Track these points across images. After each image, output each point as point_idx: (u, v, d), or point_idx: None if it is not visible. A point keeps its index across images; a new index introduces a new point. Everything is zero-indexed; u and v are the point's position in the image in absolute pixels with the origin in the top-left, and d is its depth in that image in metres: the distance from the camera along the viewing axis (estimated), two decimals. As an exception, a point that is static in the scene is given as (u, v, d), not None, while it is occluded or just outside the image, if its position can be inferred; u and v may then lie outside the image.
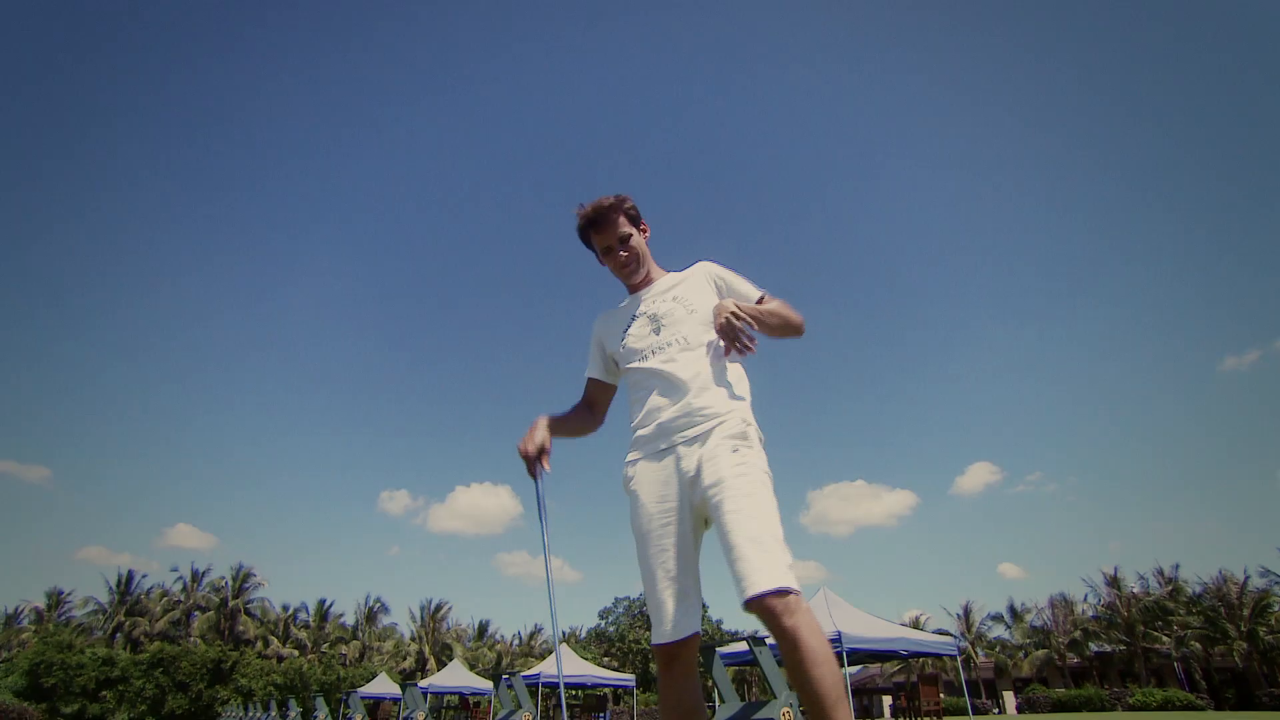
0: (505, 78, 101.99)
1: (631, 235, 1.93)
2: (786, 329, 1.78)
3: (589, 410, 2.03)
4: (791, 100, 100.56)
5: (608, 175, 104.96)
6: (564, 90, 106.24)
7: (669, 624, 1.57)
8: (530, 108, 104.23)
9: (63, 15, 75.43)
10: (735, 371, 1.80)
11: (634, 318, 1.91)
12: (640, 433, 1.78)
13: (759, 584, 1.36)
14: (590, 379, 2.05)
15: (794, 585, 1.36)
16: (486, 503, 75.77)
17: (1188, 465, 66.14)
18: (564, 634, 55.55)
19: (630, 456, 1.79)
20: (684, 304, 1.83)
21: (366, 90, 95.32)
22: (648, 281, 1.97)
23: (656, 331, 1.83)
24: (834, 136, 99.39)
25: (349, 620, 51.23)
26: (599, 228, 1.92)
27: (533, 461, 1.83)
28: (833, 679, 1.31)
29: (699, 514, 1.65)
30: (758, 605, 1.35)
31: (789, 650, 1.33)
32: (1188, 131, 76.23)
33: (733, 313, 1.68)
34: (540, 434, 1.85)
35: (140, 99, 79.26)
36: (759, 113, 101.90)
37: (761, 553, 1.40)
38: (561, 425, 1.94)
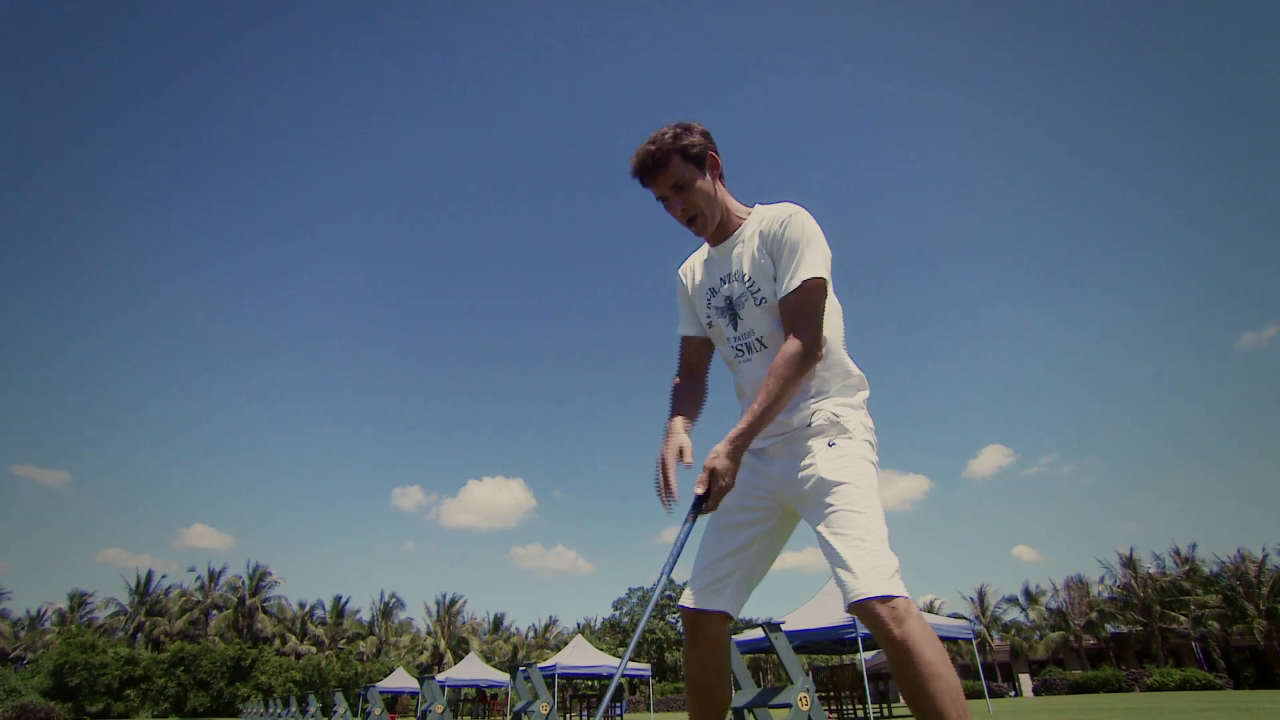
0: (512, 78, 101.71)
1: (693, 181, 1.59)
2: (788, 393, 1.47)
3: (691, 380, 1.76)
4: (802, 90, 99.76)
5: (615, 172, 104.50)
6: (570, 88, 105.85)
7: (695, 592, 1.54)
8: (537, 105, 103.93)
9: (70, 13, 75.73)
10: (830, 357, 1.59)
11: (714, 291, 1.69)
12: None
13: (862, 588, 1.25)
14: (685, 338, 1.80)
15: (901, 591, 1.25)
16: (499, 497, 76.25)
17: (1205, 444, 65.66)
18: (579, 624, 55.90)
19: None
20: (752, 291, 1.60)
21: (378, 90, 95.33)
22: (724, 231, 1.68)
23: (734, 325, 1.65)
24: (844, 122, 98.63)
25: (365, 616, 51.78)
26: (649, 176, 1.60)
27: (668, 480, 1.51)
28: (952, 695, 1.16)
29: (788, 514, 1.58)
30: (862, 610, 1.25)
31: (900, 662, 1.20)
32: (1202, 105, 75.18)
33: (698, 487, 1.43)
34: (676, 439, 1.56)
35: (149, 100, 79.63)
36: (774, 97, 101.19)
37: (865, 555, 1.29)
38: (685, 422, 1.65)
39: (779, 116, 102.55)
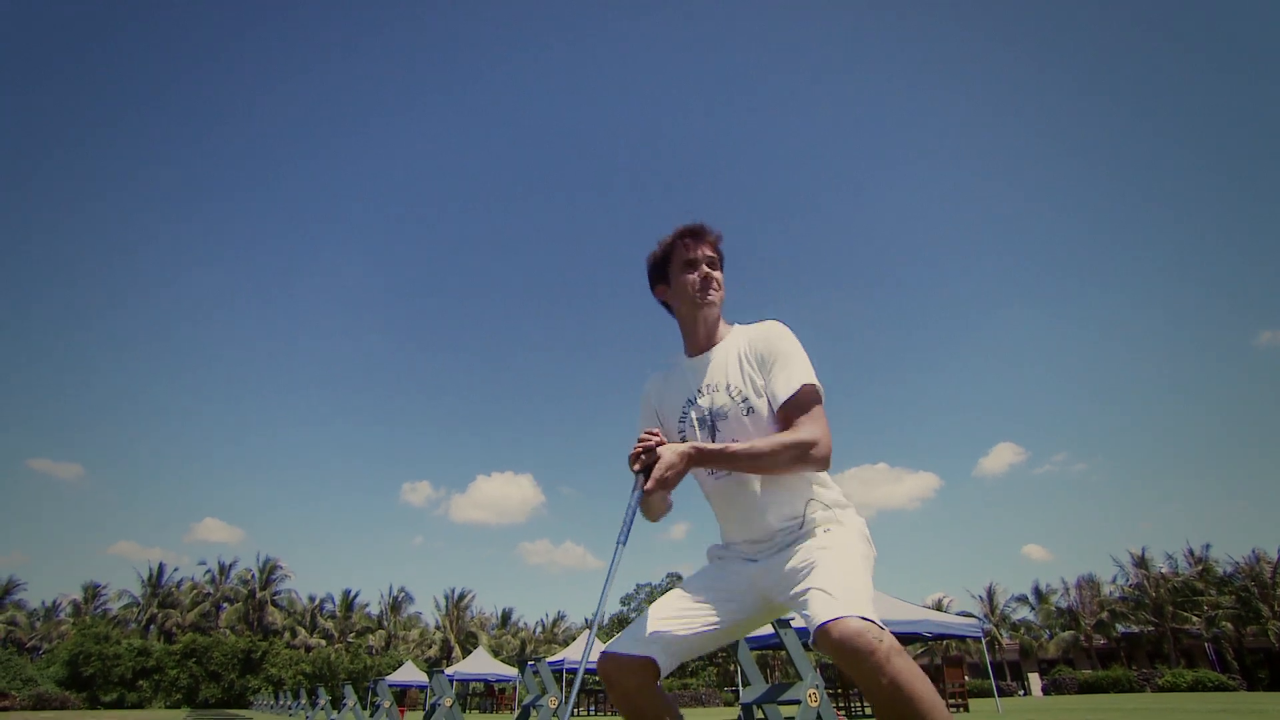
0: (518, 77, 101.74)
1: (718, 263, 1.71)
2: (777, 470, 1.45)
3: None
4: (802, 90, 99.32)
5: (622, 169, 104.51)
6: (577, 88, 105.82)
7: (627, 636, 1.45)
8: (544, 104, 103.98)
9: (70, 13, 76.38)
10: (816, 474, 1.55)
11: (689, 403, 1.65)
12: (723, 540, 1.66)
13: (832, 609, 1.16)
14: None
15: (875, 618, 1.14)
16: (508, 492, 76.47)
17: (1220, 443, 64.86)
18: (586, 620, 56.07)
19: (716, 549, 1.67)
20: (737, 399, 1.56)
21: (384, 88, 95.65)
22: (707, 339, 1.69)
23: (712, 437, 1.59)
24: (852, 121, 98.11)
25: (374, 610, 52.15)
26: (699, 236, 1.69)
27: (646, 465, 1.50)
28: (934, 699, 1.08)
29: (759, 608, 1.53)
30: (834, 633, 1.12)
31: (880, 694, 1.09)
32: (1221, 105, 74.23)
33: (642, 455, 1.48)
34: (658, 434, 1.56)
35: (155, 97, 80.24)
36: (775, 97, 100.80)
37: (839, 588, 1.23)
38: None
39: (780, 116, 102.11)
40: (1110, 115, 78.96)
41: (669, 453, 1.46)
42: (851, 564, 1.33)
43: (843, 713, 14.38)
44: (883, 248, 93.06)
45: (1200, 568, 37.55)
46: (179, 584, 47.21)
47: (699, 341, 1.70)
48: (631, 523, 1.44)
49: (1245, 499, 60.90)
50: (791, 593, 1.36)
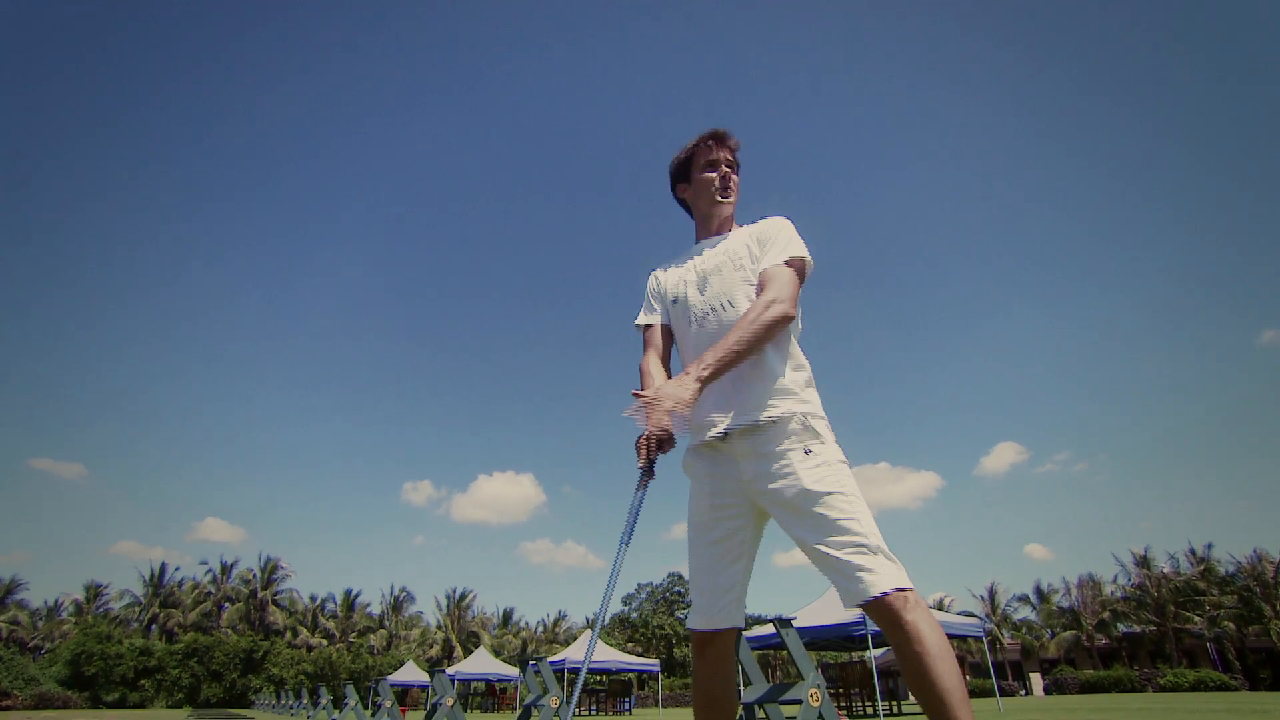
0: (518, 77, 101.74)
1: (737, 166, 1.85)
2: (760, 342, 1.51)
3: (658, 359, 1.79)
4: (803, 89, 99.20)
5: (622, 169, 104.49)
6: (577, 88, 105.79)
7: (704, 613, 1.57)
8: (544, 104, 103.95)
9: (71, 13, 76.45)
10: (788, 347, 1.61)
11: (689, 269, 1.80)
12: (700, 421, 1.62)
13: (879, 584, 1.29)
14: (650, 325, 1.85)
15: (909, 582, 1.31)
16: (509, 492, 76.46)
17: (1222, 442, 64.75)
18: (588, 619, 56.06)
19: (690, 453, 1.67)
20: (732, 257, 1.70)
21: (384, 88, 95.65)
22: (718, 229, 1.84)
23: (701, 290, 1.72)
24: (852, 121, 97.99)
25: (375, 610, 52.14)
26: (722, 139, 1.82)
27: (654, 452, 1.48)
28: (957, 676, 1.23)
29: (760, 513, 1.57)
30: (878, 605, 1.29)
31: (910, 646, 1.25)
32: (1224, 103, 74.08)
33: (647, 410, 1.47)
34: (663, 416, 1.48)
35: (155, 97, 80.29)
36: (775, 97, 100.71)
37: (872, 555, 1.34)
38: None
39: (780, 116, 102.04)
40: (1110, 115, 78.91)
41: (675, 398, 1.45)
42: (864, 510, 1.41)
43: (844, 712, 14.36)
44: (883, 248, 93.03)
45: (1202, 567, 37.47)
46: (180, 583, 47.24)
47: (709, 232, 1.86)
48: (635, 522, 1.45)
49: (1247, 498, 60.83)
50: (813, 542, 1.40)
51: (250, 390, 79.36)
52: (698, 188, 1.84)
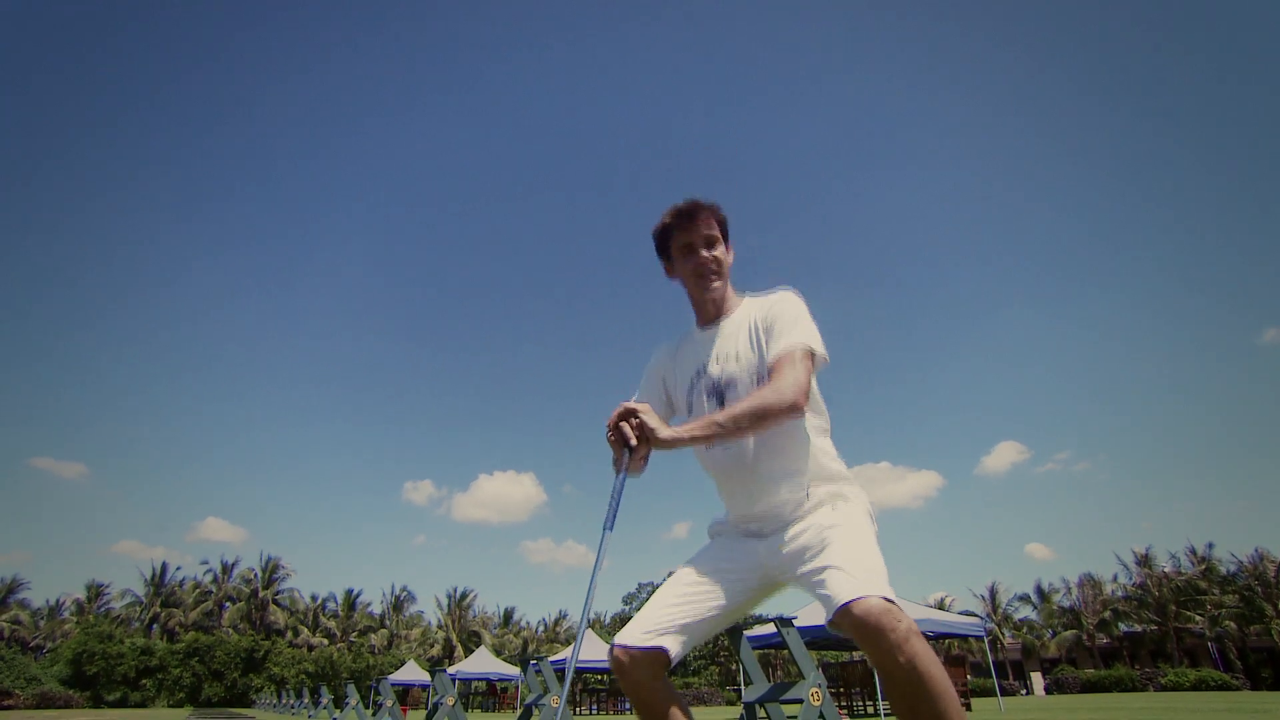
0: (518, 77, 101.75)
1: (718, 241, 1.66)
2: (749, 428, 1.42)
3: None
4: (810, 91, 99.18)
5: (622, 169, 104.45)
6: (577, 88, 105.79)
7: (639, 625, 1.44)
8: (545, 104, 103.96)
9: (71, 13, 76.49)
10: (815, 425, 1.56)
11: (699, 374, 1.64)
12: (725, 515, 1.64)
13: (852, 590, 1.16)
14: None
15: (894, 597, 1.16)
16: (510, 491, 76.50)
17: (1223, 441, 64.79)
18: (589, 619, 56.07)
19: (718, 524, 1.66)
20: (747, 369, 1.56)
21: (384, 88, 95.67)
22: (717, 311, 1.68)
23: (720, 405, 1.57)
24: (852, 121, 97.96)
25: (376, 609, 52.18)
26: (688, 221, 1.64)
27: (626, 442, 1.44)
28: (953, 708, 1.09)
29: (763, 585, 1.52)
30: (861, 608, 1.13)
31: (896, 670, 1.10)
32: (1225, 102, 73.99)
33: (620, 426, 1.44)
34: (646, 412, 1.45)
35: (155, 97, 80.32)
36: (783, 104, 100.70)
37: (856, 567, 1.23)
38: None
39: (780, 116, 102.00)
40: (1110, 115, 78.84)
41: (651, 417, 1.42)
42: (865, 540, 1.34)
43: (845, 712, 14.37)
44: (883, 248, 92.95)
45: (1203, 567, 37.46)
46: (182, 583, 47.31)
47: (708, 314, 1.70)
48: (618, 508, 1.42)
49: (1248, 498, 60.81)
50: (802, 571, 1.36)
51: (250, 390, 79.49)
52: (680, 273, 1.71)
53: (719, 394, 1.59)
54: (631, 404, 1.46)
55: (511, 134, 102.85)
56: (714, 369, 1.61)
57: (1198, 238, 71.78)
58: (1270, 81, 70.05)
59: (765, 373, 1.52)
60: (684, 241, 1.66)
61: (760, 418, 1.39)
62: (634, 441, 1.43)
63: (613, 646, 1.44)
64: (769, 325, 1.56)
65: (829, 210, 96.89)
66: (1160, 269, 72.47)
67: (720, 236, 1.67)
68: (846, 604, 1.14)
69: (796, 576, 1.39)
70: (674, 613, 1.45)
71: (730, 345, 1.61)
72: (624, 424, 1.44)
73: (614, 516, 1.40)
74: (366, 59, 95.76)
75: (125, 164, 77.27)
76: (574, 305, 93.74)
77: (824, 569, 1.28)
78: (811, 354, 1.50)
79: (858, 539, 1.33)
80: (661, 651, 1.40)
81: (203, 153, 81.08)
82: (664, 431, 1.41)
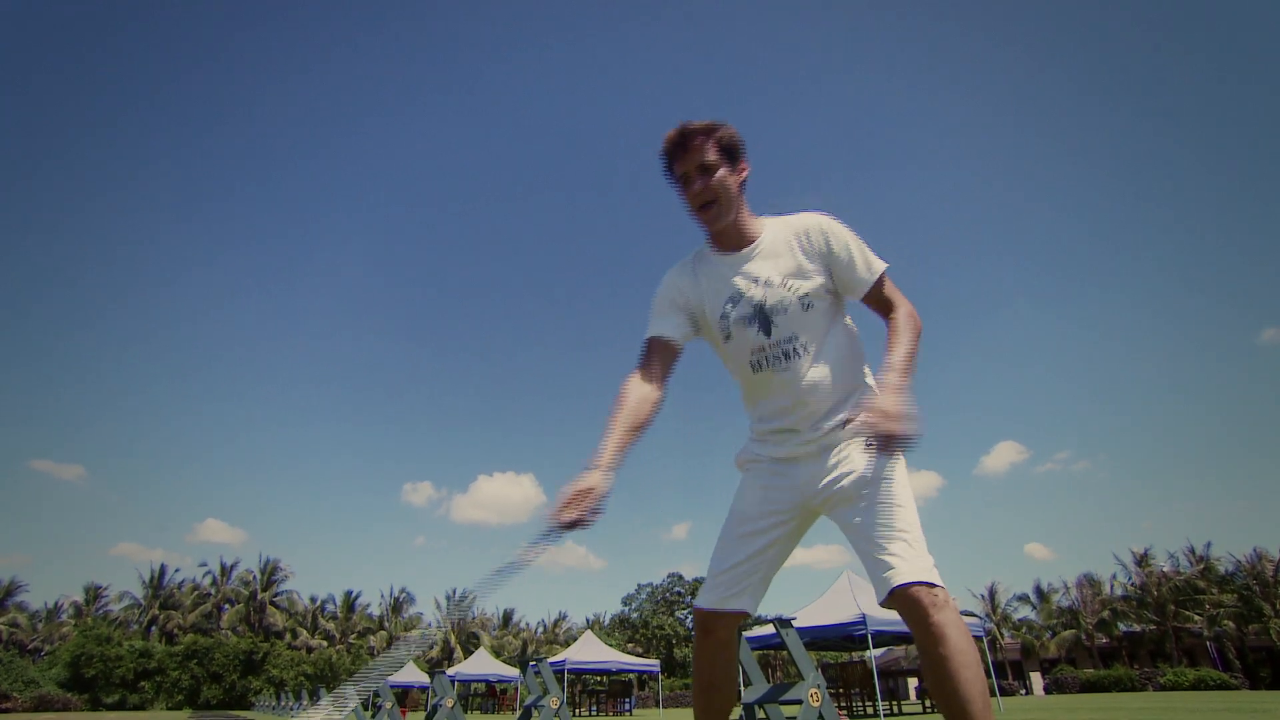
0: (518, 77, 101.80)
1: (718, 167, 1.55)
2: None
3: (649, 386, 1.55)
4: (810, 91, 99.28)
5: (622, 169, 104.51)
6: (577, 88, 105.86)
7: (717, 591, 1.53)
8: (545, 104, 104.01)
9: (71, 13, 76.43)
10: (856, 351, 1.63)
11: (734, 300, 1.58)
12: (761, 434, 1.63)
13: (905, 574, 1.29)
14: (656, 339, 1.62)
15: (939, 581, 1.29)
16: (509, 492, 76.48)
17: (1222, 441, 64.83)
18: (589, 620, 56.05)
19: (751, 450, 1.65)
20: (797, 295, 1.53)
21: (384, 88, 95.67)
22: (737, 237, 1.61)
23: (767, 332, 1.55)
24: (852, 121, 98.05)
25: (375, 611, 52.11)
26: (680, 151, 1.55)
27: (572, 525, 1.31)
28: (981, 685, 1.21)
29: (809, 513, 1.57)
30: (903, 596, 1.27)
31: (933, 647, 1.23)
32: (1224, 101, 74.12)
33: (890, 427, 1.31)
34: (583, 484, 1.33)
35: (155, 97, 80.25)
36: (783, 104, 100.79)
37: (908, 546, 1.34)
38: (625, 439, 1.46)
39: (780, 116, 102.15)
40: (1111, 115, 78.96)
41: (600, 491, 1.34)
42: (910, 509, 1.42)
43: (844, 712, 14.36)
44: (882, 248, 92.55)
45: (1202, 566, 37.48)
46: (180, 585, 47.21)
47: (728, 242, 1.62)
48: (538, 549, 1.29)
49: (1247, 497, 60.89)
50: (851, 524, 1.43)
51: (250, 391, 79.40)
52: (684, 203, 1.63)
53: (764, 320, 1.55)
54: (581, 488, 1.31)
55: (511, 134, 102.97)
56: (755, 293, 1.56)
57: (1198, 238, 71.94)
58: (1270, 81, 70.28)
59: (814, 300, 1.54)
60: (679, 172, 1.59)
61: (919, 337, 1.58)
62: (588, 521, 1.31)
63: (698, 609, 1.54)
64: (829, 250, 1.56)
65: (829, 210, 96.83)
66: (1160, 269, 72.63)
67: (720, 160, 1.55)
68: (899, 587, 1.28)
69: (844, 523, 1.46)
70: (744, 572, 1.53)
71: (768, 269, 1.57)
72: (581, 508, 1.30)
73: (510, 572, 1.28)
74: (366, 59, 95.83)
75: (125, 164, 77.27)
76: (574, 305, 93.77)
77: (878, 544, 1.36)
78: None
79: (903, 503, 1.41)
80: (743, 613, 1.52)
81: (203, 153, 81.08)
82: (892, 394, 1.36)
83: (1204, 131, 74.67)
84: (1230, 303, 67.01)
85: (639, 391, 1.53)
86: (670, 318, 1.64)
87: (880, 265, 1.58)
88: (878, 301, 1.60)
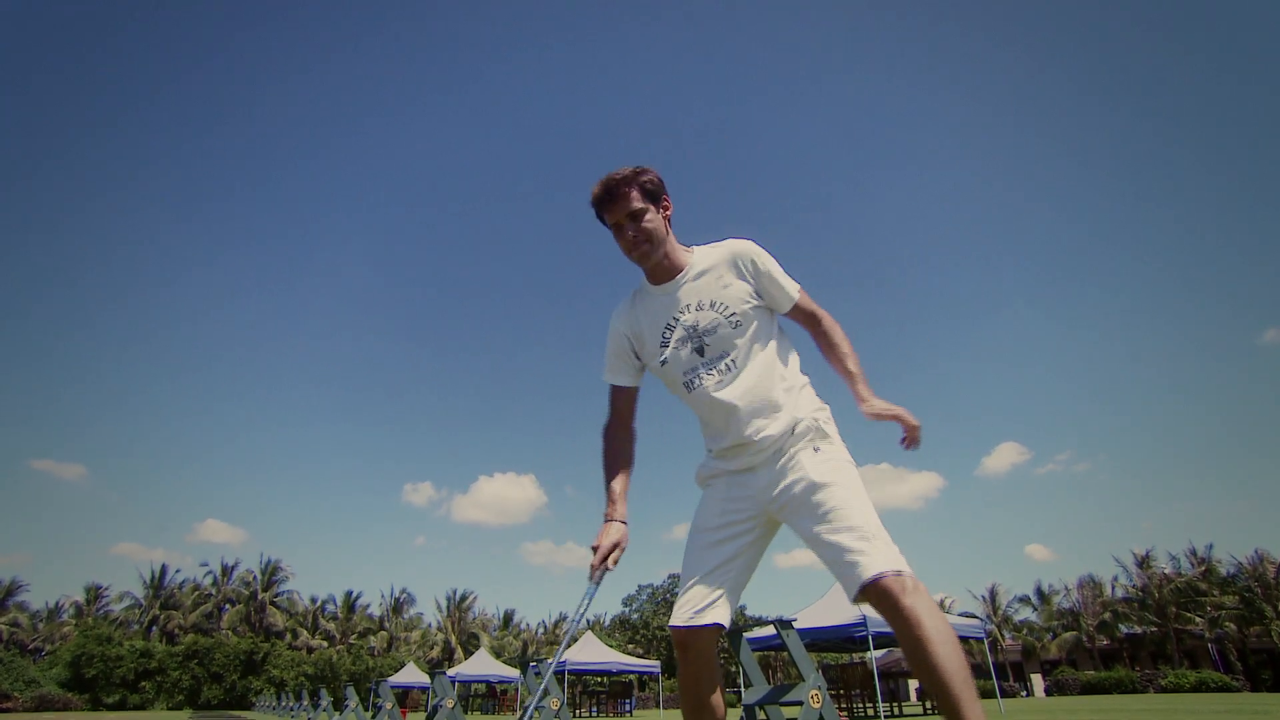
0: (518, 77, 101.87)
1: (645, 212, 1.69)
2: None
3: (626, 431, 1.84)
4: (810, 91, 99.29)
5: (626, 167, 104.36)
6: (577, 88, 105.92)
7: (688, 607, 1.55)
8: (545, 104, 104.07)
9: (80, 10, 76.54)
10: (789, 360, 1.72)
11: (669, 326, 1.71)
12: (713, 453, 1.74)
13: (872, 566, 1.31)
14: (617, 387, 1.84)
15: (907, 567, 1.32)
16: (510, 493, 76.46)
17: (1223, 442, 64.63)
18: (589, 621, 56.00)
19: (711, 465, 1.74)
20: (725, 315, 1.65)
21: (384, 88, 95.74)
22: (669, 269, 1.74)
23: (700, 351, 1.67)
24: (852, 121, 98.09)
25: (375, 611, 52.09)
26: (609, 203, 1.70)
27: (601, 566, 1.66)
28: (959, 660, 1.23)
29: (770, 522, 1.63)
30: (873, 589, 1.30)
31: (910, 630, 1.25)
32: (1226, 101, 74.08)
33: (911, 421, 1.65)
34: (613, 537, 1.69)
35: (155, 97, 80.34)
36: (784, 104, 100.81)
37: (867, 540, 1.36)
38: (624, 483, 1.78)
39: (781, 116, 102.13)
40: (1110, 115, 78.93)
41: (622, 542, 1.71)
42: (864, 502, 1.46)
43: (844, 714, 14.35)
44: (883, 248, 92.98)
45: (1203, 568, 37.42)
46: (181, 585, 47.20)
47: (661, 274, 1.76)
48: (588, 606, 1.63)
49: (1248, 499, 60.77)
50: (811, 531, 1.47)
51: (250, 391, 79.42)
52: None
53: (698, 341, 1.68)
54: (610, 543, 1.67)
55: (512, 134, 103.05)
56: (687, 319, 1.69)
57: (1198, 238, 71.88)
58: (1270, 81, 70.24)
59: (742, 320, 1.66)
60: (610, 222, 1.73)
61: (848, 339, 1.77)
62: (611, 568, 1.66)
63: (673, 628, 1.58)
64: (755, 272, 1.70)
65: (829, 210, 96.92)
66: (1160, 269, 72.57)
67: (646, 206, 1.70)
68: (867, 583, 1.30)
69: (803, 532, 1.50)
70: (711, 585, 1.57)
71: (700, 295, 1.70)
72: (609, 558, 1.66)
73: (582, 614, 1.63)
74: (366, 59, 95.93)
75: (125, 164, 77.33)
76: (574, 305, 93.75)
77: (837, 543, 1.39)
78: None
79: (857, 502, 1.45)
80: (717, 626, 1.54)
81: (203, 153, 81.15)
82: (872, 405, 1.68)
83: (1204, 131, 74.69)
84: (1231, 303, 67.01)
85: (617, 439, 1.82)
86: (619, 364, 1.83)
87: (796, 285, 1.75)
88: (803, 314, 1.77)
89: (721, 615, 1.54)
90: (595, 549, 1.65)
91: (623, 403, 1.84)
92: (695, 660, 1.56)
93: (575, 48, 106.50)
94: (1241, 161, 71.89)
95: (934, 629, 1.24)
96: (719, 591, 1.56)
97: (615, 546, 1.65)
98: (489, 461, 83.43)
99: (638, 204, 1.69)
